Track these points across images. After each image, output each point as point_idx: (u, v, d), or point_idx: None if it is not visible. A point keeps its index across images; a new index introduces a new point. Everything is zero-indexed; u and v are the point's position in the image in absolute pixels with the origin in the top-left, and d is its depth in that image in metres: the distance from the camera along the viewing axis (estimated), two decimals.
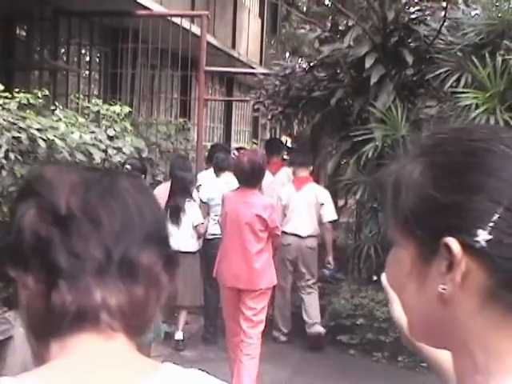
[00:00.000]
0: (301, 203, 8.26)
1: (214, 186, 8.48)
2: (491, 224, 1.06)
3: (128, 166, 6.97)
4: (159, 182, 9.78)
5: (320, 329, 8.29)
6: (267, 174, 8.11)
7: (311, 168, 8.61)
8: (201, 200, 8.34)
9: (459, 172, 1.10)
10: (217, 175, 8.64)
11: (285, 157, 9.59)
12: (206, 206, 8.34)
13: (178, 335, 8.10)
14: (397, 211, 1.17)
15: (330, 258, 8.53)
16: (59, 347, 1.14)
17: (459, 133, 1.19)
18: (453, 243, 1.07)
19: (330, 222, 8.40)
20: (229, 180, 8.09)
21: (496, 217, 1.06)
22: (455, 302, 1.09)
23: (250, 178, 6.42)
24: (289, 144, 12.99)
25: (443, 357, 1.37)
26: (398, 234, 1.17)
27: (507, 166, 1.08)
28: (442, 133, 1.21)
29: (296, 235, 8.25)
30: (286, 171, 8.90)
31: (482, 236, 1.06)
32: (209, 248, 8.14)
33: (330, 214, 8.32)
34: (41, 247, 1.16)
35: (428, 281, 1.11)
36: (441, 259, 1.09)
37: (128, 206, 1.21)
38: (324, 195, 8.31)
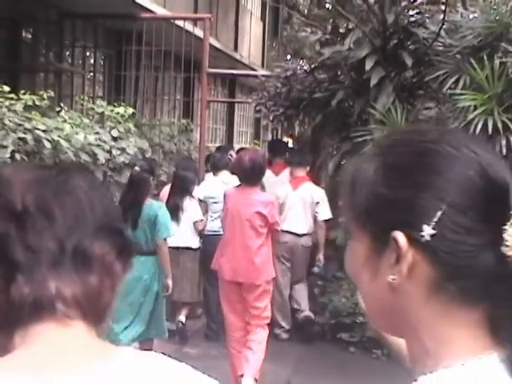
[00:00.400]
0: (297, 202, 8.36)
1: (210, 184, 8.57)
2: (435, 220, 1.12)
3: (137, 168, 7.00)
4: (163, 183, 9.80)
5: (308, 313, 8.47)
6: (270, 174, 8.21)
7: (308, 168, 8.75)
8: (199, 198, 8.43)
9: (409, 171, 1.16)
10: (214, 174, 8.73)
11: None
12: (204, 204, 8.42)
13: (181, 318, 8.14)
14: (352, 207, 1.23)
15: (321, 256, 8.60)
16: (21, 337, 1.18)
17: (412, 134, 1.26)
18: (400, 237, 1.13)
19: (325, 220, 8.47)
20: (225, 179, 8.25)
21: (440, 213, 1.11)
22: (404, 291, 1.15)
23: (251, 176, 6.48)
24: (290, 145, 13.03)
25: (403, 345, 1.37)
26: (353, 228, 1.23)
27: (453, 167, 1.13)
28: (397, 134, 1.31)
29: (292, 233, 8.35)
30: (288, 172, 8.93)
31: (427, 231, 1.12)
32: (207, 244, 8.21)
33: (324, 212, 8.40)
34: None
35: (380, 272, 1.17)
36: (390, 252, 1.15)
37: (80, 201, 1.25)
38: (319, 194, 8.40)
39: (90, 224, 1.24)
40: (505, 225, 1.10)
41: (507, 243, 1.09)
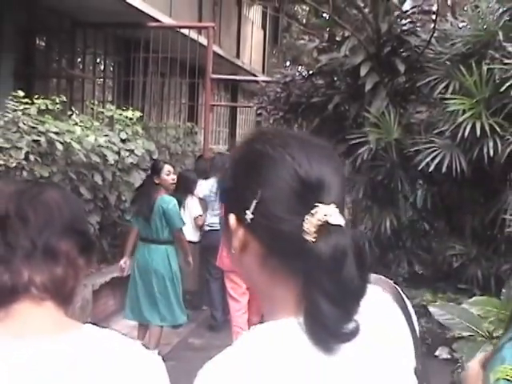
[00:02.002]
0: None
1: (209, 184, 8.65)
2: (253, 207, 1.28)
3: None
4: None
5: None
6: None
7: None
8: (199, 196, 8.74)
9: (241, 166, 1.35)
10: (213, 175, 8.82)
11: None
12: (203, 202, 8.69)
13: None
14: (218, 193, 1.45)
15: None
16: (4, 313, 1.44)
17: (256, 134, 1.42)
18: (231, 218, 1.33)
19: None
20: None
21: (255, 202, 1.27)
22: (244, 261, 1.34)
23: None
24: None
25: None
26: (222, 208, 1.41)
27: (270, 166, 1.28)
28: (251, 134, 1.46)
29: None
30: None
31: (248, 215, 1.28)
32: (207, 238, 8.46)
33: None
34: None
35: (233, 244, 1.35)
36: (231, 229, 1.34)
37: (50, 208, 1.52)
38: None
39: (57, 226, 1.51)
40: (307, 215, 1.22)
41: (306, 230, 1.21)
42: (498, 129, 4.72)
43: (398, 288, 1.47)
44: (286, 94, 8.02)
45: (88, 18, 12.44)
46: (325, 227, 1.22)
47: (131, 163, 8.92)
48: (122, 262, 7.17)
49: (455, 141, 5.46)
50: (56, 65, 13.47)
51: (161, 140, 11.84)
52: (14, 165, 6.74)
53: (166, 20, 13.69)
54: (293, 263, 1.25)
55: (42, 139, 7.15)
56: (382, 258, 7.62)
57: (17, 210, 1.49)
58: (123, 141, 8.94)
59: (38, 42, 12.84)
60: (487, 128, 4.74)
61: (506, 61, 4.59)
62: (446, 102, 5.27)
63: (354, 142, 6.86)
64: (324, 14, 8.92)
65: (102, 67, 15.45)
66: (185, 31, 12.18)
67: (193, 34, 12.08)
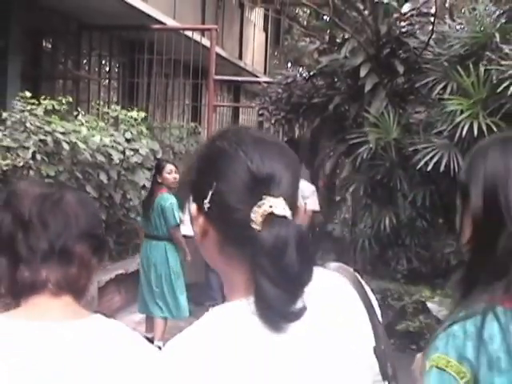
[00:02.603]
0: None
1: None
2: (209, 198, 1.37)
3: None
4: None
5: None
6: None
7: (302, 166, 8.89)
8: None
9: (202, 160, 1.46)
10: None
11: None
12: None
13: None
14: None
15: None
16: (25, 303, 1.64)
17: (220, 132, 1.52)
18: (192, 206, 1.43)
19: (313, 211, 8.63)
20: None
21: (211, 193, 1.37)
22: (206, 246, 1.44)
23: None
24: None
25: None
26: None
27: (225, 161, 1.37)
28: (216, 132, 1.57)
29: None
30: (301, 183, 9.03)
31: (206, 204, 1.38)
32: None
33: (312, 204, 8.59)
34: (11, 241, 1.66)
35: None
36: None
37: (68, 215, 1.69)
38: (309, 189, 8.64)
39: (74, 231, 1.68)
40: (255, 206, 1.31)
41: (253, 220, 1.30)
42: (495, 129, 4.72)
43: (358, 275, 1.55)
44: (288, 95, 8.02)
45: (93, 21, 12.44)
46: (270, 218, 1.30)
47: (136, 162, 8.92)
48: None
49: (453, 140, 5.45)
50: (62, 66, 13.47)
51: (165, 140, 11.84)
52: (21, 164, 6.75)
53: (170, 22, 13.68)
54: (244, 250, 1.33)
55: (49, 139, 7.15)
56: (382, 256, 7.62)
57: (39, 215, 1.66)
58: (128, 140, 8.94)
59: (44, 44, 12.84)
60: (484, 128, 4.74)
61: (503, 62, 4.59)
62: (444, 102, 5.27)
63: (353, 141, 6.86)
64: (325, 17, 8.92)
65: (108, 68, 15.45)
66: (188, 33, 12.18)
67: (196, 36, 12.07)
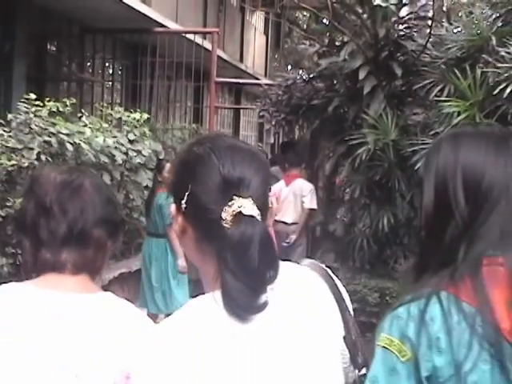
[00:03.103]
0: (288, 195, 8.69)
1: None
2: (185, 199, 1.50)
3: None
4: None
5: None
6: (283, 185, 8.58)
7: (301, 167, 9.12)
8: None
9: (180, 165, 1.58)
10: None
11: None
12: None
13: None
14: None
15: (293, 236, 8.77)
16: (46, 277, 1.78)
17: (197, 139, 1.65)
18: (172, 207, 1.56)
19: (310, 209, 8.73)
20: None
21: (187, 194, 1.49)
22: (185, 244, 1.57)
23: None
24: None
25: None
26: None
27: (200, 166, 1.49)
28: (195, 138, 1.71)
29: (283, 222, 8.65)
30: (300, 183, 9.00)
31: (183, 205, 1.50)
32: None
33: (310, 203, 8.68)
34: (33, 226, 1.80)
35: None
36: None
37: (85, 201, 1.81)
38: (307, 189, 8.73)
39: (91, 216, 1.80)
40: (225, 206, 1.43)
41: (224, 218, 1.42)
42: None
43: (329, 270, 1.64)
44: (288, 97, 8.01)
45: (97, 24, 12.46)
46: (239, 217, 1.42)
47: (139, 163, 8.93)
48: None
49: None
50: (66, 69, 13.48)
51: (167, 141, 11.85)
52: (26, 165, 6.75)
53: (172, 25, 13.69)
54: (215, 246, 1.45)
55: (53, 140, 7.16)
56: (380, 255, 7.62)
57: (59, 202, 1.78)
58: (131, 142, 8.94)
59: (49, 47, 12.85)
60: None
61: (499, 65, 4.58)
62: (441, 104, 5.27)
63: (352, 142, 6.86)
64: (324, 20, 8.92)
65: (111, 71, 15.46)
66: (190, 36, 12.19)
67: (198, 39, 12.08)
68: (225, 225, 1.42)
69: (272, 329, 1.44)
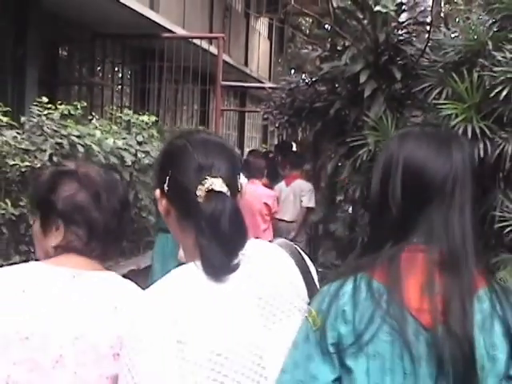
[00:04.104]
0: (289, 195, 8.78)
1: None
2: (167, 182, 1.70)
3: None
4: None
5: None
6: (283, 186, 8.65)
7: (303, 168, 9.12)
8: None
9: (163, 155, 1.80)
10: None
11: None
12: None
13: None
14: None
15: (293, 232, 8.81)
16: (66, 257, 1.88)
17: (177, 134, 1.86)
18: (156, 192, 1.76)
19: (307, 208, 8.74)
20: None
21: (168, 178, 1.70)
22: (170, 223, 1.77)
23: (255, 171, 7.76)
24: (294, 148, 13.03)
25: None
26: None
27: (178, 156, 1.72)
28: (177, 133, 1.89)
29: (284, 220, 8.72)
30: (300, 183, 9.02)
31: (165, 188, 1.71)
32: None
33: (308, 202, 8.74)
34: (48, 212, 1.90)
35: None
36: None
37: (99, 199, 1.91)
38: (307, 189, 8.80)
39: (100, 212, 1.89)
40: (199, 185, 1.64)
41: (198, 195, 1.63)
42: (487, 132, 4.72)
43: (299, 249, 1.84)
44: (291, 100, 8.00)
45: (107, 30, 12.48)
46: (211, 193, 1.63)
47: (147, 164, 8.94)
48: None
49: None
50: (77, 73, 13.51)
51: None
52: (38, 166, 6.77)
53: (180, 31, 13.71)
54: (193, 221, 1.65)
55: (65, 142, 7.18)
56: None
57: (72, 204, 1.88)
58: (140, 143, 8.96)
59: (60, 52, 12.89)
60: (478, 131, 4.73)
61: (495, 68, 4.58)
62: (439, 106, 5.26)
63: (354, 144, 6.84)
64: (326, 26, 8.92)
65: (120, 75, 15.48)
66: (197, 41, 12.20)
67: (204, 44, 12.09)
68: (199, 200, 1.63)
69: (244, 289, 1.64)
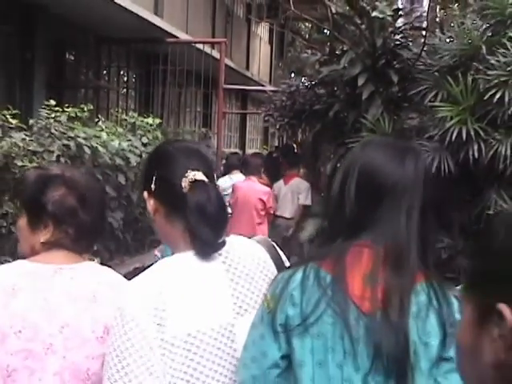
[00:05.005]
0: (287, 193, 8.80)
1: (224, 180, 8.95)
2: (154, 182, 1.88)
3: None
4: None
5: None
6: (282, 184, 8.70)
7: (300, 167, 9.17)
8: None
9: (150, 158, 2.00)
10: (227, 172, 9.25)
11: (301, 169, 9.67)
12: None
13: None
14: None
15: (291, 230, 8.80)
16: (51, 254, 2.00)
17: (162, 142, 2.10)
18: (145, 193, 1.93)
19: (305, 206, 8.78)
20: (233, 176, 8.83)
21: (155, 178, 1.88)
22: (158, 221, 1.91)
23: (252, 169, 8.08)
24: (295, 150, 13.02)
25: None
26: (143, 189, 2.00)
27: (163, 157, 1.92)
28: (164, 141, 2.23)
29: (283, 217, 8.73)
30: (297, 182, 9.03)
31: (152, 187, 1.88)
32: None
33: (304, 199, 8.78)
34: (37, 213, 2.02)
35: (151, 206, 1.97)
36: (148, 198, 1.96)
37: (93, 205, 2.06)
38: (304, 187, 8.83)
39: (84, 211, 2.01)
40: (184, 178, 1.82)
41: (183, 186, 1.81)
42: (482, 133, 4.72)
43: (275, 245, 2.04)
44: (291, 102, 8.01)
45: (112, 35, 12.49)
46: (194, 184, 1.81)
47: None
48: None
49: (444, 144, 5.45)
50: (84, 77, 13.51)
51: None
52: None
53: (183, 36, 13.71)
54: (181, 213, 1.81)
55: (72, 143, 7.18)
56: None
57: (61, 202, 2.00)
58: (144, 145, 8.96)
59: (67, 56, 12.89)
60: (472, 133, 4.74)
61: (489, 72, 4.58)
62: (435, 109, 5.26)
63: (352, 145, 6.86)
64: (325, 31, 8.92)
65: (125, 79, 15.49)
66: (199, 46, 12.20)
67: (207, 49, 12.11)
68: (185, 191, 1.81)
69: (221, 280, 1.82)
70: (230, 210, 8.69)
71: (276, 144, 23.71)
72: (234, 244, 1.91)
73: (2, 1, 9.84)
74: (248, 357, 1.74)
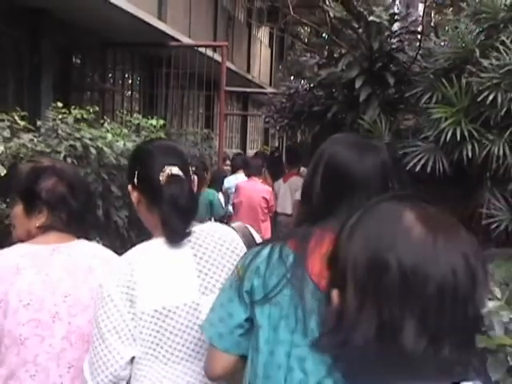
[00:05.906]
0: (286, 190, 8.86)
1: (230, 179, 9.24)
2: (136, 176, 2.09)
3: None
4: None
5: None
6: (281, 183, 8.78)
7: (299, 166, 9.17)
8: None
9: (133, 157, 2.23)
10: (233, 172, 9.51)
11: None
12: (226, 193, 9.27)
13: None
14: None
15: (291, 226, 8.90)
16: (46, 235, 2.21)
17: (144, 142, 2.39)
18: (129, 187, 2.15)
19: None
20: (238, 176, 9.09)
21: (137, 173, 2.08)
22: (141, 211, 2.15)
23: (254, 169, 8.41)
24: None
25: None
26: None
27: (144, 155, 2.13)
28: (145, 141, 2.43)
29: (284, 214, 8.78)
30: (295, 179, 9.07)
31: (135, 181, 2.10)
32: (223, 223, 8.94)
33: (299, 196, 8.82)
34: (32, 200, 2.22)
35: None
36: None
37: (84, 193, 2.31)
38: (301, 184, 8.81)
39: (75, 200, 2.22)
40: (161, 173, 2.02)
41: (161, 180, 2.01)
42: (475, 134, 4.74)
43: (252, 231, 2.24)
44: (291, 104, 8.02)
45: (117, 39, 12.49)
46: (170, 178, 2.00)
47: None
48: None
49: (438, 144, 5.46)
50: (90, 79, 13.52)
51: (181, 145, 11.86)
52: None
53: (186, 40, 13.72)
54: (158, 203, 2.01)
55: (78, 144, 7.18)
56: None
57: (55, 192, 2.21)
58: None
59: (74, 59, 12.90)
60: (466, 133, 4.75)
61: (482, 74, 4.59)
62: (430, 110, 5.27)
63: None
64: (323, 35, 8.91)
65: (130, 81, 15.50)
66: (202, 49, 12.21)
67: (209, 52, 12.10)
68: (161, 184, 2.00)
69: (189, 262, 2.01)
70: (231, 209, 8.80)
71: (276, 144, 23.74)
72: (205, 231, 2.08)
73: (11, 7, 9.86)
74: (215, 317, 1.90)
